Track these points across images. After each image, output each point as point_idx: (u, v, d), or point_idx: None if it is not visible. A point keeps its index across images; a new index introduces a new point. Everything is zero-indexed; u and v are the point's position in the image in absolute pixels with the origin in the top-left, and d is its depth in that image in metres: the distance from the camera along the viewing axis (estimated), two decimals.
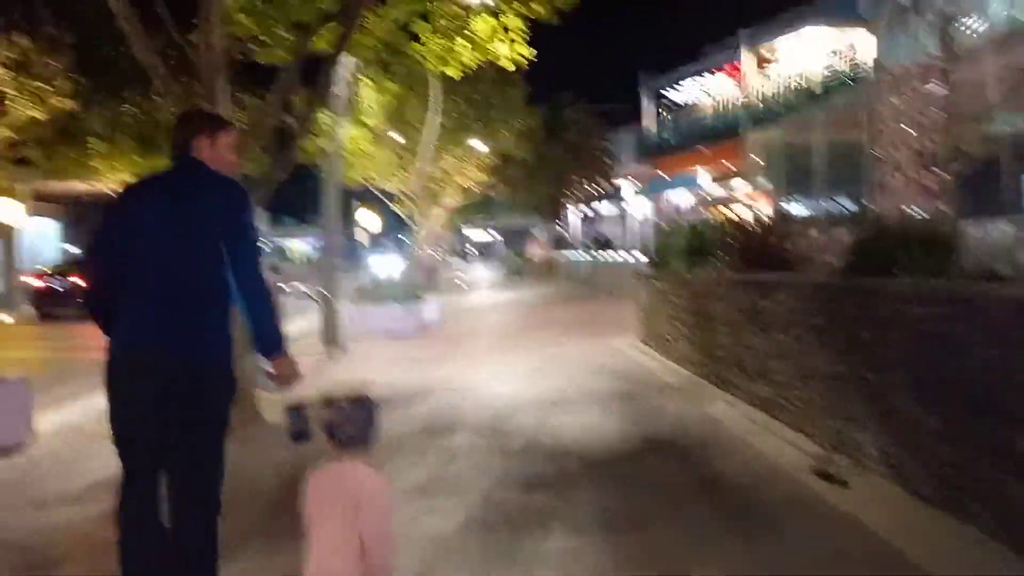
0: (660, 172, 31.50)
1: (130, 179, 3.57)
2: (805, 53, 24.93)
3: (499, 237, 70.84)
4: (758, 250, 7.18)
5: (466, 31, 9.59)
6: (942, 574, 3.46)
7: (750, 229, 7.64)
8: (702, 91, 30.32)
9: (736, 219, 8.46)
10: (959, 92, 5.99)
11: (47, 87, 15.96)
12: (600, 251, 23.71)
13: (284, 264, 35.96)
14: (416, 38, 10.21)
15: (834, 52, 24.73)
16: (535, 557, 3.81)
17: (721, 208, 20.85)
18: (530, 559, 3.79)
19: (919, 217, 6.45)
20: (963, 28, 7.09)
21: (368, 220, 24.13)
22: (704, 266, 7.85)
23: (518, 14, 9.25)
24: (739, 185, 24.55)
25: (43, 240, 26.06)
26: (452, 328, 14.61)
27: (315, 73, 7.41)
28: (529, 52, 9.92)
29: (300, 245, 77.81)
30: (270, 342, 3.12)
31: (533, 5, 8.67)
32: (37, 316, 19.53)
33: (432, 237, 31.61)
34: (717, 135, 26.27)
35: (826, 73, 23.68)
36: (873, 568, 3.59)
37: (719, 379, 7.45)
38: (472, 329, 14.45)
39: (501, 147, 28.33)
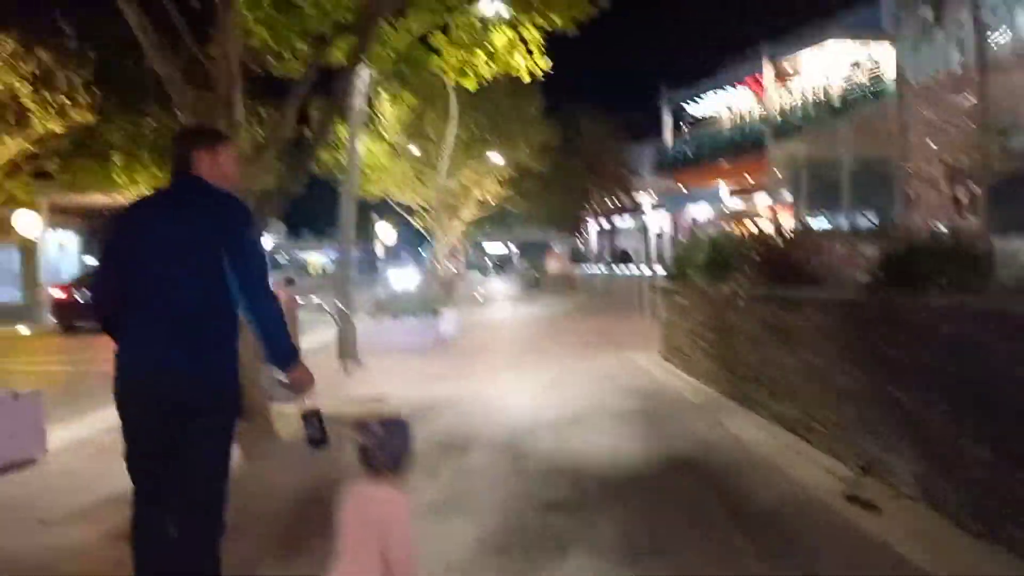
0: (680, 185, 31.36)
1: (149, 192, 3.54)
2: (828, 66, 24.78)
3: (517, 250, 70.86)
4: (782, 264, 7.00)
5: (484, 43, 9.52)
6: None
7: (773, 243, 7.46)
8: (723, 105, 30.20)
9: (758, 233, 8.27)
10: (987, 104, 5.80)
11: (67, 100, 16.09)
12: (619, 264, 23.54)
13: (303, 277, 36.07)
14: (434, 50, 10.15)
15: (856, 65, 24.56)
16: None
17: (743, 222, 20.66)
18: None
19: (947, 231, 6.24)
20: (991, 40, 6.93)
21: (386, 233, 24.15)
22: (726, 280, 7.67)
23: (536, 25, 9.16)
24: (761, 199, 24.35)
25: (63, 253, 26.27)
26: (469, 342, 14.49)
27: (332, 85, 7.35)
28: (546, 64, 9.84)
29: (318, 257, 78.30)
30: (283, 355, 3.11)
31: (551, 15, 8.57)
32: (59, 328, 19.61)
33: (450, 250, 31.60)
34: (738, 148, 26.15)
35: (849, 86, 23.52)
36: None
37: (743, 397, 7.26)
38: (489, 343, 14.32)
39: (519, 160, 28.29)
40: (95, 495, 5.11)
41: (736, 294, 7.24)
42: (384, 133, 24.28)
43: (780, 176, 10.47)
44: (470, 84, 10.44)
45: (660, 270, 16.80)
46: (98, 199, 20.37)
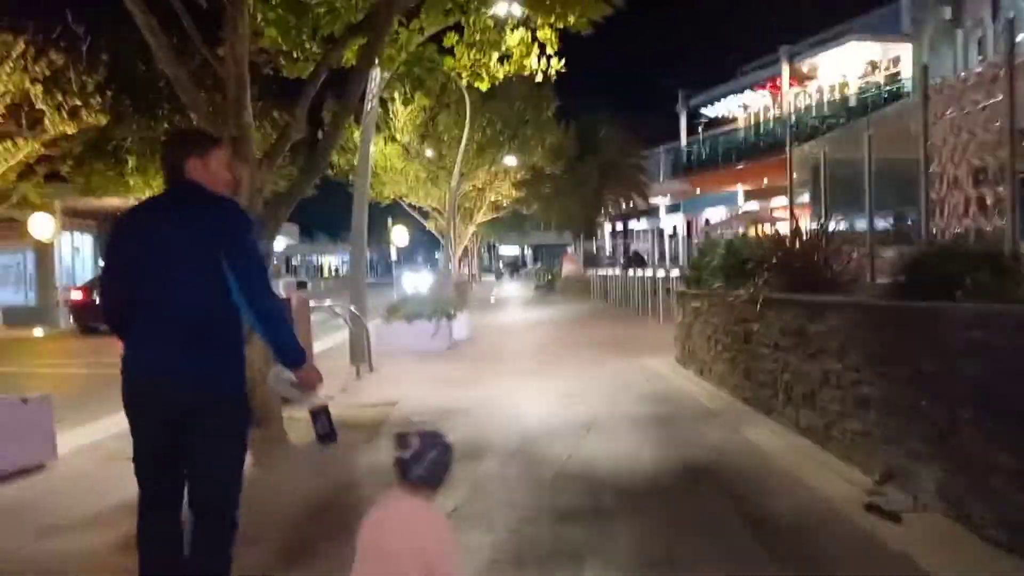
0: (697, 189, 31.20)
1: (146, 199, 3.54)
2: (847, 68, 24.58)
3: (531, 254, 70.85)
4: (801, 268, 6.86)
5: (498, 43, 9.43)
6: None
7: (792, 246, 7.31)
8: (740, 107, 30.03)
9: (777, 236, 8.13)
10: (1015, 103, 5.64)
11: (79, 102, 16.15)
12: (634, 268, 23.38)
13: (316, 280, 36.16)
14: (447, 51, 10.07)
15: (875, 66, 24.37)
16: None
17: (761, 225, 20.48)
18: None
19: (973, 234, 6.09)
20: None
21: (400, 236, 24.15)
22: (744, 284, 7.53)
23: (550, 25, 9.06)
24: (778, 200, 24.15)
25: (78, 255, 26.41)
26: (482, 346, 14.39)
27: (345, 86, 7.27)
28: (558, 64, 9.74)
29: (332, 260, 78.65)
30: (290, 354, 3.13)
31: (566, 15, 8.46)
32: (78, 329, 19.68)
33: (463, 253, 31.56)
34: (756, 151, 25.98)
35: (870, 87, 23.34)
36: None
37: (761, 404, 7.12)
38: (502, 347, 14.21)
39: (533, 162, 28.23)
40: (105, 501, 5.04)
41: (754, 298, 7.09)
42: (397, 135, 24.27)
43: (798, 178, 10.30)
44: (483, 85, 10.36)
45: (675, 273, 16.66)
46: (112, 202, 20.44)
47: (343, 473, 5.81)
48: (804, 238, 7.30)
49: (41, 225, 20.64)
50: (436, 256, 38.76)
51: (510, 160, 26.91)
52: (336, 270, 75.32)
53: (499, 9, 9.59)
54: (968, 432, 4.04)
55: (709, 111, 32.11)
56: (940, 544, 3.94)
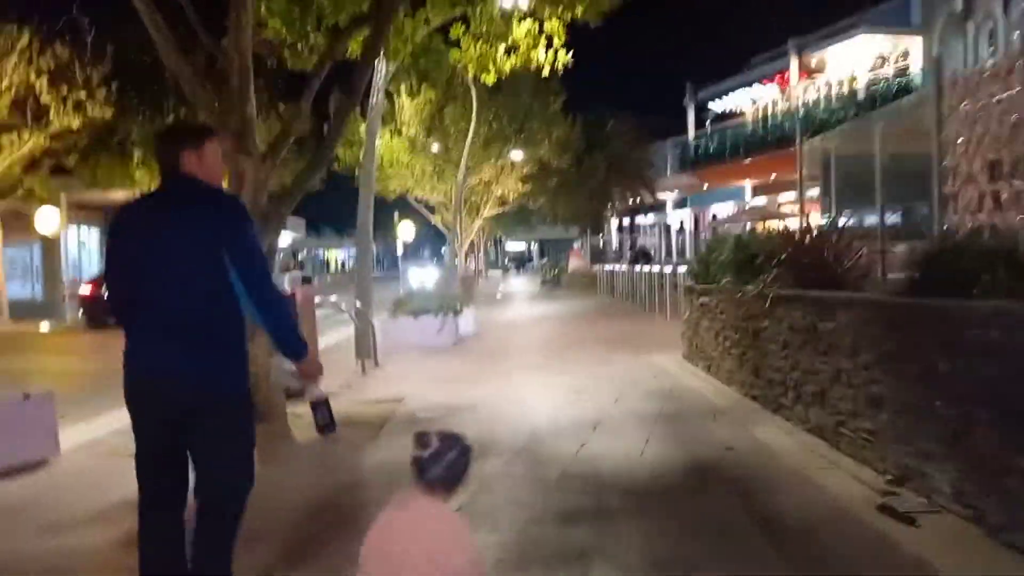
0: (704, 183, 31.04)
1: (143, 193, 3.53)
2: (856, 61, 24.40)
3: (538, 248, 70.78)
4: (812, 264, 6.75)
5: (505, 35, 9.34)
6: None
7: (802, 242, 7.20)
8: (749, 101, 29.84)
9: (786, 231, 8.02)
10: None
11: (84, 95, 16.13)
12: (640, 263, 23.29)
13: (323, 275, 36.14)
14: (453, 43, 9.98)
15: (884, 60, 24.18)
16: None
17: (769, 220, 20.36)
18: None
19: (988, 229, 5.98)
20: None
21: (406, 231, 24.12)
22: (753, 280, 7.44)
23: (557, 17, 8.96)
24: (788, 196, 24.01)
25: (84, 249, 26.43)
26: (488, 342, 14.32)
27: (350, 79, 7.20)
28: (566, 56, 9.64)
29: (339, 255, 78.73)
30: (292, 346, 3.17)
31: (575, 7, 8.36)
32: (87, 323, 19.68)
33: (470, 248, 31.49)
34: (765, 145, 25.81)
35: (879, 81, 23.16)
36: None
37: (770, 402, 7.02)
38: (509, 343, 14.14)
39: (540, 156, 28.13)
40: (107, 498, 5.00)
41: (763, 294, 7.00)
42: (403, 129, 24.20)
43: (808, 172, 10.19)
44: (489, 78, 10.27)
45: (682, 269, 16.56)
46: (118, 195, 20.44)
47: (348, 470, 5.76)
48: (814, 233, 7.20)
49: (47, 219, 20.65)
50: (442, 251, 38.69)
51: (517, 154, 26.82)
52: (343, 264, 75.41)
53: (506, 0, 9.49)
54: (984, 433, 3.94)
55: (717, 105, 31.91)
56: (955, 547, 3.86)
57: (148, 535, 3.05)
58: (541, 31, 9.50)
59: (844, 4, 24.91)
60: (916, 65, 23.13)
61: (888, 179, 7.77)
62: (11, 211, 20.30)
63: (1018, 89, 5.56)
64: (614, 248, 44.70)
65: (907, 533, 4.07)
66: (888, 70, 24.24)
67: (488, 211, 31.28)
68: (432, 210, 28.37)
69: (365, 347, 11.39)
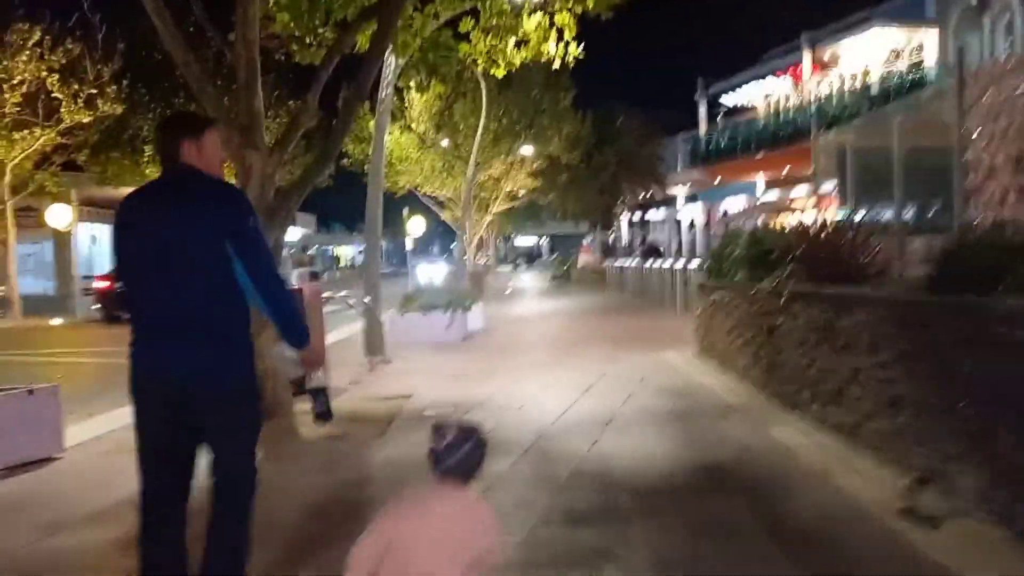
0: (716, 178, 30.81)
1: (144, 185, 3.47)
2: (870, 55, 24.14)
3: (548, 244, 70.68)
4: (828, 260, 6.63)
5: (516, 28, 9.23)
6: None
7: (818, 237, 7.07)
8: (761, 96, 29.60)
9: (801, 226, 7.89)
10: None
11: (95, 91, 16.15)
12: (651, 259, 23.15)
13: (332, 270, 36.17)
14: (463, 37, 9.88)
15: (898, 54, 23.91)
16: None
17: (783, 215, 20.17)
18: None
19: (1011, 224, 5.83)
20: None
21: (416, 227, 24.08)
22: (767, 276, 7.31)
23: (568, 10, 8.84)
24: (800, 190, 23.78)
25: (96, 245, 26.51)
26: (497, 338, 14.24)
27: (358, 73, 7.12)
28: (576, 50, 9.53)
29: (349, 251, 78.89)
30: (295, 335, 3.20)
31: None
32: (104, 317, 19.71)
33: (479, 244, 31.41)
34: (778, 140, 25.56)
35: (893, 75, 22.89)
36: None
37: (785, 400, 6.90)
38: (518, 339, 14.04)
39: (550, 152, 28.02)
40: (111, 496, 4.93)
41: (778, 290, 6.87)
42: (412, 124, 24.13)
43: (823, 166, 10.04)
44: (499, 72, 10.16)
45: (692, 264, 16.42)
46: (129, 191, 20.49)
47: (355, 467, 5.70)
48: (830, 228, 7.08)
49: (58, 215, 20.74)
50: (451, 247, 38.66)
51: (526, 149, 26.71)
52: (352, 260, 75.57)
53: None
54: (1008, 432, 3.83)
55: (729, 99, 31.66)
56: (979, 550, 3.75)
57: (149, 533, 3.02)
58: (552, 24, 9.38)
59: None
60: (931, 59, 22.86)
61: (906, 173, 7.62)
62: (23, 207, 20.35)
63: None
64: (625, 243, 44.48)
65: (929, 536, 3.96)
66: (902, 64, 23.98)
67: (497, 207, 31.17)
68: (441, 206, 28.30)
69: (374, 343, 11.32)
